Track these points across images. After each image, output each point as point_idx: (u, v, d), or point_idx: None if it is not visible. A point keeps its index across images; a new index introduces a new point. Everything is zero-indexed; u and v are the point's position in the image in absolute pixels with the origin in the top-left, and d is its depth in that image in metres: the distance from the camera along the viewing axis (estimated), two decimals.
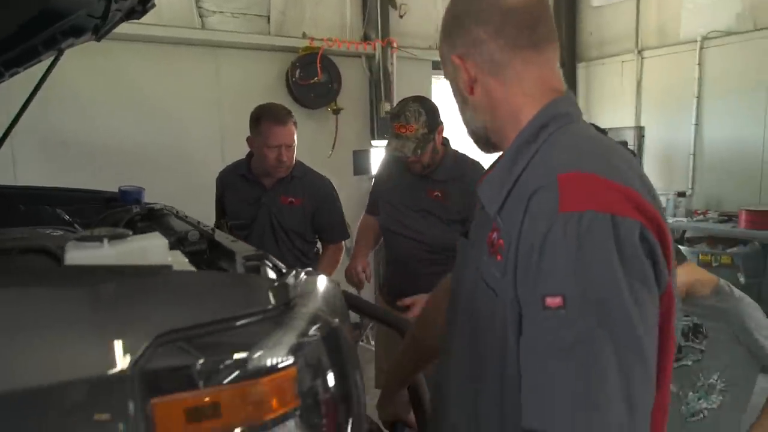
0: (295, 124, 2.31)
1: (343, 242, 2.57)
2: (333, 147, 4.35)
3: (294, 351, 0.55)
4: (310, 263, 2.50)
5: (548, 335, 0.72)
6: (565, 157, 0.80)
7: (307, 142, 3.98)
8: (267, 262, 0.90)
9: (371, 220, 2.48)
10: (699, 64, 4.93)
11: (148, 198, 2.34)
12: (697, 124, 5.00)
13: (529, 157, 0.85)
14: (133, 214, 1.48)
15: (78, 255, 0.71)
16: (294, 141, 2.30)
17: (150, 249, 0.77)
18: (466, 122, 0.98)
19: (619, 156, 0.83)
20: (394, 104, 4.63)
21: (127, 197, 2.18)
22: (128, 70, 3.66)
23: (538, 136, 0.86)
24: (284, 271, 0.90)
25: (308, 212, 2.41)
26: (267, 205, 2.39)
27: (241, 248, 1.08)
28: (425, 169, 2.15)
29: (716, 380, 1.75)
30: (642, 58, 5.38)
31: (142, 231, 1.50)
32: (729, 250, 4.05)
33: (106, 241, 0.72)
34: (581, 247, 0.71)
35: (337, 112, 4.32)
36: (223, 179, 2.56)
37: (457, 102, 0.97)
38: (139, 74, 3.70)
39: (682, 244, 4.31)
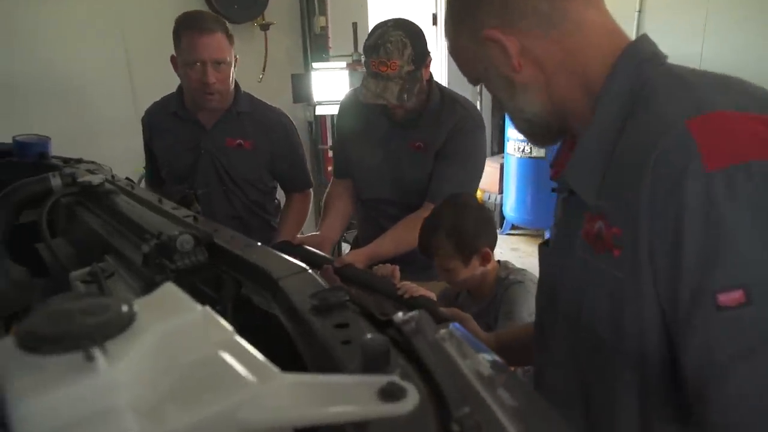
0: (228, 35, 1.76)
1: (310, 189, 2.15)
2: (263, 69, 3.77)
3: None
4: (270, 218, 2.09)
5: (733, 343, 0.53)
6: (685, 96, 0.61)
7: None
8: (348, 305, 0.55)
9: (341, 188, 1.93)
10: None
11: None
12: None
13: (623, 117, 0.67)
14: (62, 193, 1.00)
15: (46, 403, 0.30)
16: (226, 57, 1.75)
17: (186, 334, 0.38)
18: (518, 111, 0.80)
19: (742, 81, 0.66)
20: (330, 18, 4.09)
21: (27, 151, 1.63)
22: None
23: (629, 89, 0.68)
24: (387, 319, 0.55)
25: (263, 156, 1.95)
26: (209, 150, 1.89)
27: (268, 258, 0.70)
28: (410, 113, 1.70)
29: None
30: None
31: (72, 220, 1.04)
32: None
33: (99, 355, 0.32)
34: (758, 213, 0.52)
35: (265, 27, 3.69)
36: (150, 120, 2.00)
37: (500, 92, 0.80)
38: None
39: None
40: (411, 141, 1.74)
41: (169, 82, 1.93)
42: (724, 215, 0.53)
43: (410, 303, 1.31)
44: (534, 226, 4.67)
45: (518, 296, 1.40)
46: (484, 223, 1.48)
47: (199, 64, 1.72)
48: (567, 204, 0.78)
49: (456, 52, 0.83)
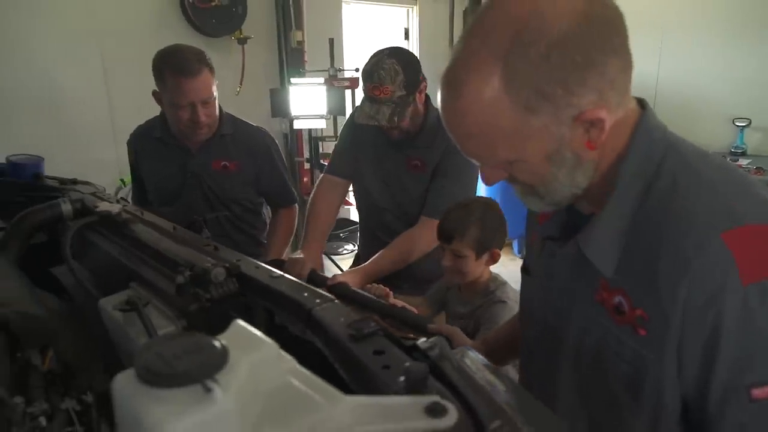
0: (211, 69, 1.79)
1: (296, 204, 2.22)
2: (241, 83, 3.82)
3: None
4: (257, 234, 2.15)
5: (763, 428, 0.64)
6: (712, 203, 0.67)
7: None
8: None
9: (331, 188, 2.00)
10: None
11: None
12: None
13: (640, 198, 0.71)
14: (82, 222, 1.05)
15: (182, 428, 0.38)
16: (212, 94, 1.81)
17: (263, 366, 0.47)
18: (572, 187, 0.75)
19: (753, 182, 0.72)
20: (306, 33, 4.17)
21: (21, 171, 1.66)
22: None
23: (644, 170, 0.72)
24: (412, 345, 0.64)
25: (248, 176, 2.01)
26: (195, 173, 1.93)
27: (297, 289, 0.78)
28: (404, 134, 1.82)
29: None
30: None
31: (85, 245, 1.09)
32: None
33: (217, 388, 0.40)
34: None
35: (243, 41, 3.75)
36: (136, 144, 2.03)
37: (560, 170, 0.72)
38: None
39: None
40: (409, 159, 1.85)
41: (146, 94, 1.92)
42: (758, 322, 0.62)
43: (401, 318, 1.41)
44: None
45: (501, 317, 1.49)
46: (503, 228, 1.60)
47: (187, 106, 1.76)
48: (574, 262, 0.79)
49: (513, 130, 0.68)
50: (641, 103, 0.76)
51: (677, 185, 0.69)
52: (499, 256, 1.59)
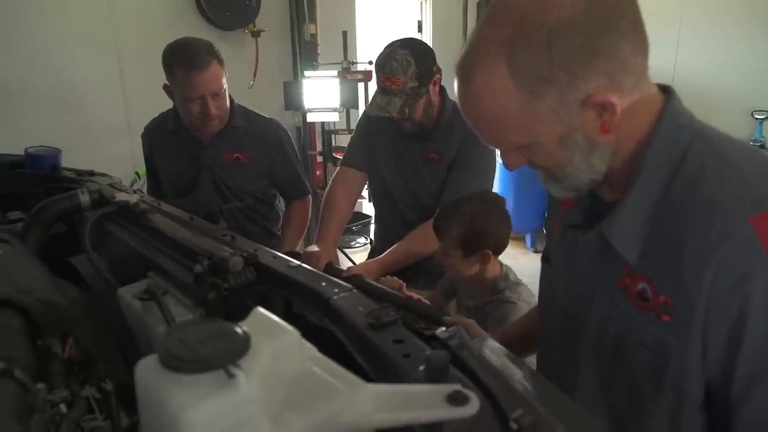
0: (220, 61, 1.78)
1: (309, 196, 2.22)
2: (254, 76, 3.82)
3: None
4: (270, 225, 2.16)
5: None
6: (740, 187, 0.66)
7: None
8: None
9: (347, 180, 1.98)
10: None
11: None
12: None
13: (665, 184, 0.71)
14: (102, 212, 1.06)
15: (204, 413, 0.39)
16: (222, 86, 1.79)
17: (285, 353, 0.47)
18: (590, 172, 0.74)
19: None
20: (319, 26, 4.16)
21: (40, 163, 1.68)
22: None
23: (670, 156, 0.71)
24: (432, 334, 0.63)
25: (262, 168, 2.01)
26: (208, 165, 1.93)
27: (315, 279, 0.78)
28: (418, 127, 1.79)
29: None
30: None
31: (103, 235, 1.10)
32: None
33: (240, 374, 0.40)
34: None
35: (256, 34, 3.75)
36: (150, 137, 2.05)
37: (573, 154, 0.72)
38: None
39: None
40: (426, 152, 1.83)
41: (160, 88, 1.89)
42: None
43: (417, 310, 1.40)
44: (515, 230, 4.80)
45: (509, 318, 1.43)
46: (500, 227, 1.50)
47: (197, 99, 1.75)
48: (597, 249, 0.79)
49: (521, 114, 0.69)
50: (666, 89, 0.76)
51: (705, 168, 0.69)
52: (489, 257, 1.49)
